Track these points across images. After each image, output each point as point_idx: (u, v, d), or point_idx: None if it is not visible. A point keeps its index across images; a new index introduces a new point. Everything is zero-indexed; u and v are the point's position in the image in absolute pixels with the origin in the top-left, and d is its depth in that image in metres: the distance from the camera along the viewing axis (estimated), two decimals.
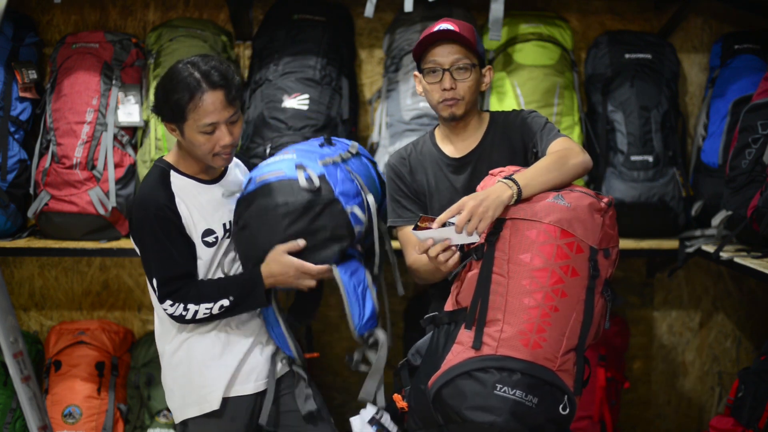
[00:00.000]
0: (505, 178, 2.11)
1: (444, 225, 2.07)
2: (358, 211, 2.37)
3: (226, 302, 2.27)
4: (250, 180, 2.37)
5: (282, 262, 2.28)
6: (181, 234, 2.27)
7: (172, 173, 2.30)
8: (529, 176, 2.10)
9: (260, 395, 2.43)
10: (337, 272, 2.32)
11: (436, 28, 2.32)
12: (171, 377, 2.41)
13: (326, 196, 2.31)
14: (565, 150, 2.20)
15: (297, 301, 2.54)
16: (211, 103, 2.17)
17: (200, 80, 2.17)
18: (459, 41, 2.31)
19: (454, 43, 2.31)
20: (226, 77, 2.19)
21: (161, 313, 2.37)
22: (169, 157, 2.35)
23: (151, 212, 2.23)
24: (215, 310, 2.28)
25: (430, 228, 2.10)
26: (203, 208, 2.31)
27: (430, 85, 2.34)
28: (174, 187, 2.28)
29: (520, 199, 2.07)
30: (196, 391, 2.36)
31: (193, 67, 2.19)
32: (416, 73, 2.41)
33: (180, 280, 2.26)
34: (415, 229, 2.14)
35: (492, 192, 2.06)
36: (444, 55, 2.31)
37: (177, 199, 2.27)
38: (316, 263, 2.30)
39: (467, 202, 2.04)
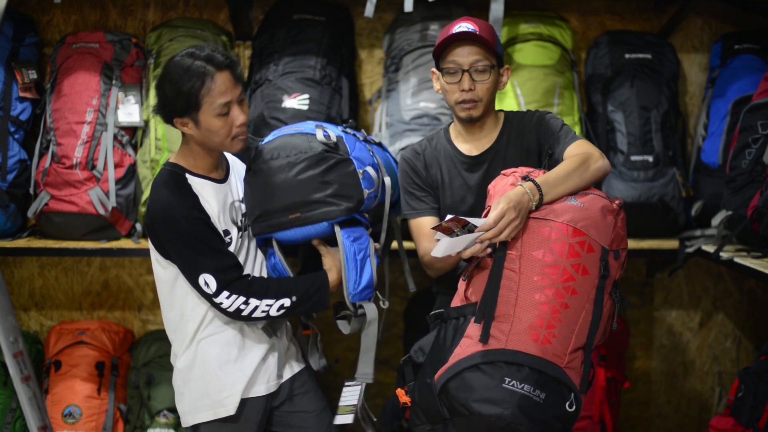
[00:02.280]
0: (529, 180, 2.10)
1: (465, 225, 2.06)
2: (371, 173, 2.35)
3: (287, 302, 2.24)
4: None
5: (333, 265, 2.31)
6: (214, 231, 2.25)
7: (188, 176, 2.27)
8: (552, 183, 2.11)
9: (271, 396, 2.43)
10: (340, 234, 2.30)
11: (455, 29, 2.31)
12: (182, 380, 2.37)
13: (341, 154, 2.32)
14: (585, 155, 2.20)
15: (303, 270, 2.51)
16: (222, 83, 2.18)
17: (206, 65, 2.18)
18: (479, 42, 2.31)
19: (474, 44, 2.31)
20: (228, 56, 2.22)
21: (172, 316, 2.34)
22: (178, 160, 2.31)
23: (182, 219, 2.19)
24: (274, 310, 2.24)
25: (452, 231, 2.07)
26: (220, 207, 2.30)
27: (449, 85, 2.35)
28: (194, 189, 2.25)
29: (540, 205, 2.09)
30: (212, 395, 2.33)
31: (192, 57, 2.19)
32: (434, 69, 2.41)
33: (234, 270, 2.22)
34: (436, 228, 2.08)
35: (522, 200, 2.05)
36: (464, 55, 2.31)
37: (201, 199, 2.25)
38: (320, 219, 2.27)
39: (502, 207, 2.02)
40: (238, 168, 2.49)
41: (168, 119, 2.25)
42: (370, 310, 2.33)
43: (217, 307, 2.24)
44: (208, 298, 2.23)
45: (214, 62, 2.18)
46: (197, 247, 2.20)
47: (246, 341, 2.36)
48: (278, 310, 2.24)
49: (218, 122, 2.20)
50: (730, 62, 3.38)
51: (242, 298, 2.21)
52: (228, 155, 2.47)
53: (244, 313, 2.23)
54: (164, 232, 2.22)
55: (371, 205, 2.38)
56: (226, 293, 2.20)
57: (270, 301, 2.23)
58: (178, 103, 2.19)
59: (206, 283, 2.20)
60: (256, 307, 2.22)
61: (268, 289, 2.24)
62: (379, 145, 2.62)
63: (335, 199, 2.28)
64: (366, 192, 2.31)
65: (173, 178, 2.26)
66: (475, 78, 2.32)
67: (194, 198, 2.23)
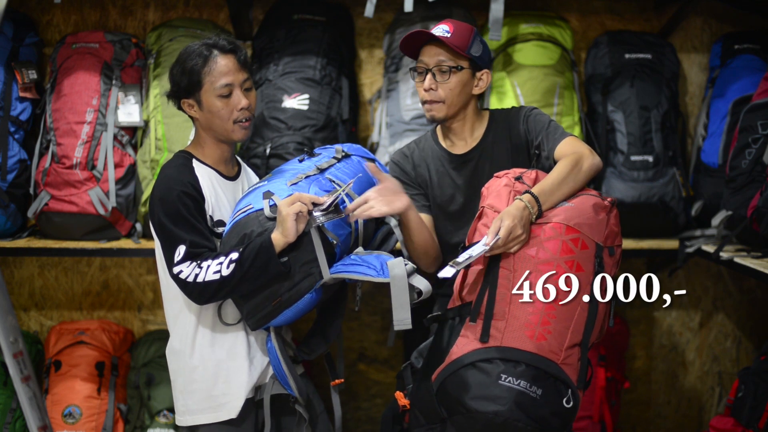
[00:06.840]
0: (526, 192, 2.12)
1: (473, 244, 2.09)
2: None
3: (234, 254, 2.16)
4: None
5: (282, 215, 2.16)
6: (202, 213, 2.26)
7: (194, 161, 2.33)
8: (548, 191, 2.13)
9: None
10: (344, 275, 2.18)
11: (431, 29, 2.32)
12: (185, 379, 2.35)
13: None
14: (576, 155, 2.22)
15: (315, 327, 2.43)
16: (224, 64, 2.28)
17: (211, 48, 2.30)
18: (448, 43, 2.31)
19: (441, 45, 2.32)
20: (234, 43, 2.33)
21: (174, 312, 2.34)
22: (189, 148, 2.39)
23: (176, 191, 2.22)
24: (225, 267, 2.15)
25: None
26: (220, 199, 2.33)
27: (417, 84, 2.37)
28: (197, 173, 2.29)
29: (540, 216, 2.11)
30: (216, 398, 2.32)
31: (201, 43, 2.32)
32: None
33: (206, 249, 2.21)
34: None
35: (524, 214, 2.07)
36: (430, 55, 2.33)
37: (201, 182, 2.28)
38: (303, 293, 2.19)
39: (509, 224, 2.04)
40: (250, 176, 2.53)
41: (178, 102, 2.34)
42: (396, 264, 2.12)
43: (176, 278, 2.20)
44: (171, 268, 2.21)
45: (218, 46, 2.30)
46: (183, 221, 2.21)
47: (252, 346, 2.35)
48: (228, 266, 2.15)
49: (219, 103, 2.27)
50: (730, 62, 3.38)
51: (195, 263, 2.18)
52: (244, 165, 2.51)
53: (200, 278, 2.17)
54: (158, 207, 2.24)
55: (349, 243, 2.31)
56: (186, 263, 2.19)
57: (221, 259, 2.17)
58: (183, 81, 2.28)
59: (179, 253, 2.21)
60: (209, 267, 2.17)
61: (218, 253, 2.21)
62: (346, 156, 2.50)
63: (307, 267, 2.19)
64: (335, 243, 2.23)
65: (179, 160, 2.33)
66: (437, 78, 2.32)
67: (195, 179, 2.28)
